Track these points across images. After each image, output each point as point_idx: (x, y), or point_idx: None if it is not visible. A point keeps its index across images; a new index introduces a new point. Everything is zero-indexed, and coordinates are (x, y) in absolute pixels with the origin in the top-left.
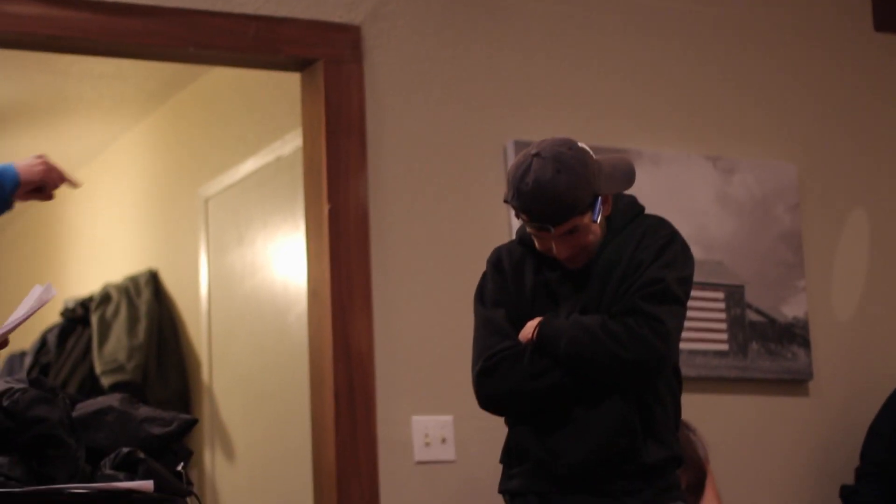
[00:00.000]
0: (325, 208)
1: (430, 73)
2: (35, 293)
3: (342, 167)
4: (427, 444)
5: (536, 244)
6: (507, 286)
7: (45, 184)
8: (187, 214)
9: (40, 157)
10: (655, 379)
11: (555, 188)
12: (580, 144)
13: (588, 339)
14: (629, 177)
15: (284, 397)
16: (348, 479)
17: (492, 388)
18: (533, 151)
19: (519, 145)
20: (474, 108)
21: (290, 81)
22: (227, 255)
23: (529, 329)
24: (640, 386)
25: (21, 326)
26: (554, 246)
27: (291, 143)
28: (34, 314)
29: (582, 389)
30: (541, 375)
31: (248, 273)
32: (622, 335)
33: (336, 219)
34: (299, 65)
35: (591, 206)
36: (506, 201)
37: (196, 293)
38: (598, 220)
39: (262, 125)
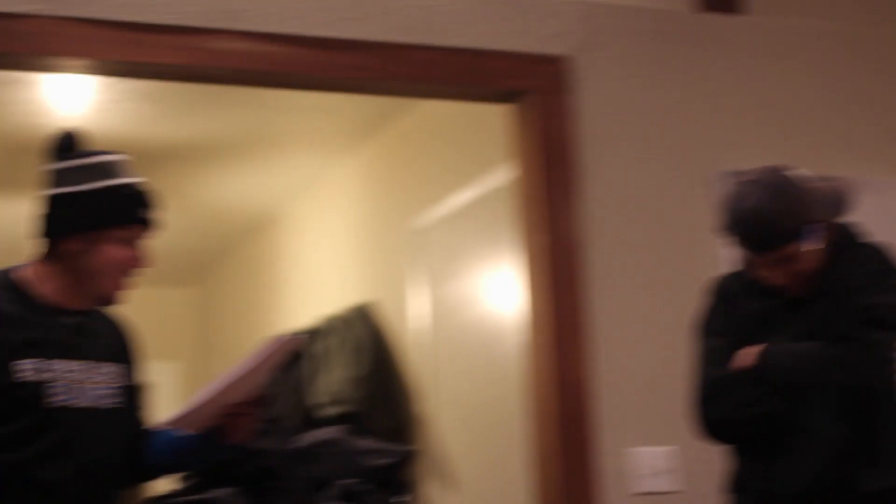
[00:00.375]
0: (539, 239)
1: (639, 103)
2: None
3: (555, 198)
4: (645, 476)
5: (754, 272)
6: (727, 315)
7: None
8: (401, 246)
9: None
10: (871, 401)
11: (768, 215)
12: (797, 172)
13: (808, 365)
14: (845, 204)
15: (504, 428)
16: None
17: (710, 416)
18: (748, 178)
19: (726, 175)
20: (683, 138)
21: (501, 113)
22: (442, 287)
23: (748, 356)
24: (858, 408)
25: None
26: (768, 273)
27: (502, 175)
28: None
29: (800, 416)
30: (758, 402)
31: (463, 304)
32: (841, 360)
33: (550, 250)
34: (508, 97)
35: (807, 234)
36: (719, 230)
37: (414, 325)
38: (814, 248)
39: (473, 157)
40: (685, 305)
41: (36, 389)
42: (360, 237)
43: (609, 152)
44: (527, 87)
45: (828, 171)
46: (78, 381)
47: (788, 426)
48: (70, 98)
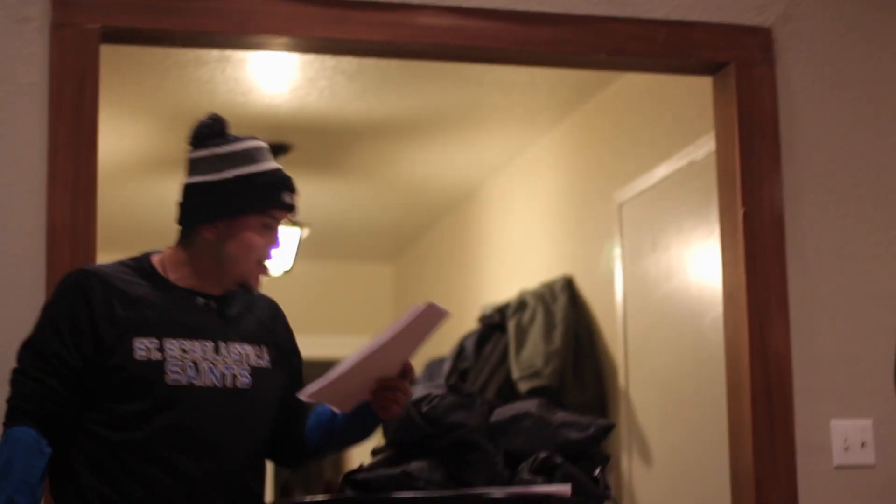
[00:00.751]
0: (740, 212)
1: (843, 74)
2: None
3: (756, 170)
4: (846, 449)
5: None
6: None
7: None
8: (601, 220)
9: None
10: None
11: None
12: None
13: None
14: None
15: (701, 401)
16: (766, 483)
17: None
18: None
19: None
20: (888, 109)
21: (702, 85)
22: (642, 260)
23: None
24: None
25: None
26: None
27: (704, 148)
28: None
29: None
30: None
31: (662, 278)
32: None
33: (751, 222)
34: (710, 68)
35: None
36: None
37: (611, 298)
38: None
39: (674, 129)
40: (889, 278)
41: (157, 368)
42: (560, 211)
43: (813, 124)
44: (729, 58)
45: None
46: (203, 361)
47: None
48: (273, 76)
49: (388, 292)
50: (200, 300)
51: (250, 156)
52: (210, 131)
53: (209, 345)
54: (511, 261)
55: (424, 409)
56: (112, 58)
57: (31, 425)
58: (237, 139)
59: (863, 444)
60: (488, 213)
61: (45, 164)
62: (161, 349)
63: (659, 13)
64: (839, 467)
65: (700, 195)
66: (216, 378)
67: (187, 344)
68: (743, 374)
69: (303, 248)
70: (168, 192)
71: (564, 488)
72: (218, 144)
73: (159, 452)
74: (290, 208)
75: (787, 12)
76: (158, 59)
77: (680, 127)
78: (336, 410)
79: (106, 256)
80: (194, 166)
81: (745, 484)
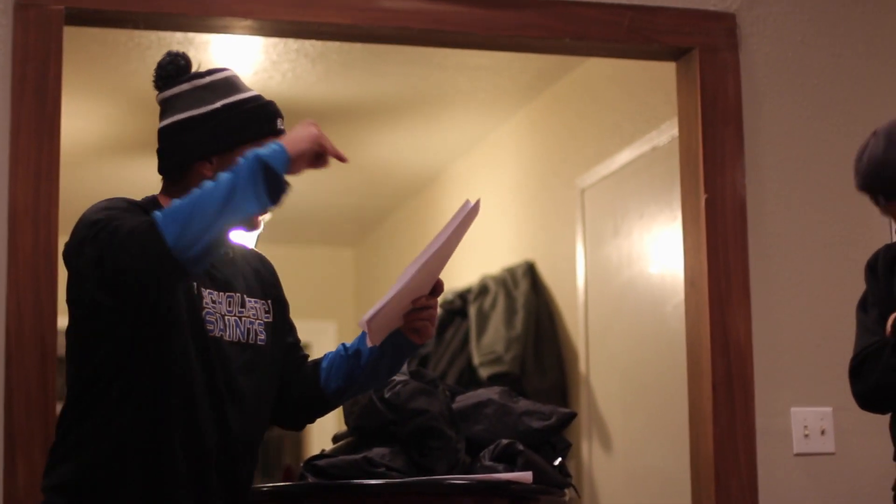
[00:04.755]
0: (703, 198)
1: (807, 60)
2: (462, 212)
3: (719, 157)
4: (806, 436)
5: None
6: (879, 287)
7: (319, 149)
8: (564, 205)
9: (310, 122)
10: None
11: (884, 162)
12: None
13: None
14: None
15: (662, 389)
16: (727, 470)
17: (860, 386)
18: (874, 130)
19: None
20: (854, 93)
21: (665, 71)
22: (604, 246)
23: (890, 322)
24: None
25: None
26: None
27: (667, 133)
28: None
29: None
30: None
31: (624, 264)
32: None
33: (713, 208)
34: (674, 54)
35: None
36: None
37: (573, 284)
38: None
39: (638, 115)
40: (850, 266)
41: (190, 318)
42: (522, 196)
43: (777, 110)
44: (693, 43)
45: None
46: (229, 315)
47: None
48: (237, 59)
49: (349, 277)
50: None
51: (233, 84)
52: (178, 68)
53: (235, 297)
54: (473, 246)
55: (387, 395)
56: (76, 40)
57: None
58: (213, 70)
59: (822, 432)
60: (451, 197)
61: (8, 147)
62: (192, 299)
63: None
64: (799, 455)
65: (663, 181)
66: (241, 333)
67: (216, 295)
68: (704, 362)
69: (264, 231)
70: (131, 174)
71: (526, 475)
72: (195, 77)
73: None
74: (283, 133)
75: None
76: (122, 41)
77: (643, 112)
78: (369, 344)
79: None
80: (173, 104)
81: (705, 471)
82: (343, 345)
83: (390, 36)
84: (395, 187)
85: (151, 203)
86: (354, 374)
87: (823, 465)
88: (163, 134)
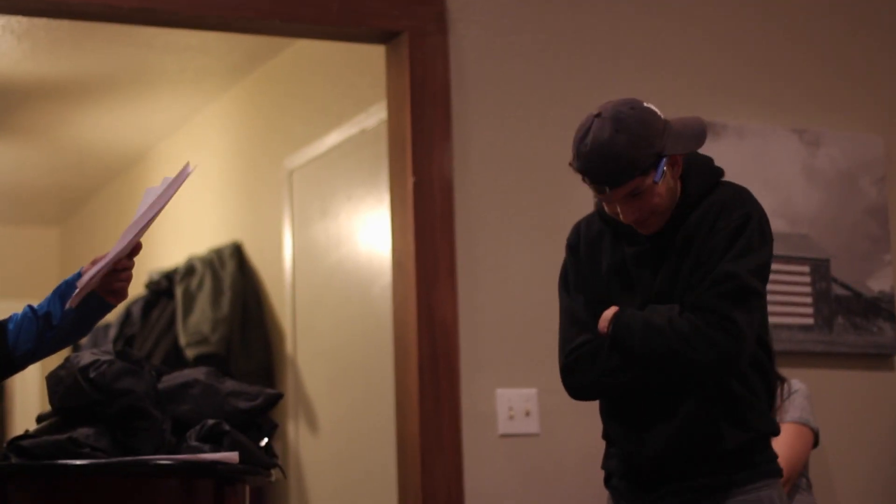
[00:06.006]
0: (410, 181)
1: (515, 44)
2: (151, 193)
3: (427, 140)
4: (511, 417)
5: (606, 209)
6: (582, 269)
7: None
8: (271, 187)
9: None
10: (728, 376)
11: (612, 148)
12: (646, 105)
13: (658, 339)
14: (699, 136)
15: (369, 370)
16: (432, 451)
17: (574, 384)
18: (595, 112)
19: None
20: (559, 79)
21: (375, 54)
22: (311, 227)
23: (605, 321)
24: (713, 381)
25: None
26: (619, 209)
27: (375, 116)
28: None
29: (660, 381)
30: (619, 371)
31: (332, 245)
32: (691, 336)
33: (421, 191)
34: (383, 37)
35: (654, 167)
36: (570, 165)
37: (280, 265)
38: (661, 181)
39: (346, 97)
40: (556, 248)
41: None
42: (233, 177)
43: (485, 94)
44: (402, 27)
45: (704, 115)
46: None
47: (651, 389)
48: None
49: (54, 256)
50: None
51: None
52: None
53: None
54: (180, 226)
55: (92, 374)
56: None
57: None
58: None
59: (527, 413)
60: (158, 176)
61: None
62: None
63: None
64: (504, 435)
65: (370, 163)
66: None
67: None
68: (410, 343)
69: None
70: None
71: (232, 456)
72: None
73: None
74: None
75: None
76: None
77: (352, 95)
78: (67, 306)
79: None
80: None
81: (410, 452)
82: (30, 306)
83: (98, 14)
84: (101, 167)
85: None
86: (45, 337)
87: (528, 446)
88: None
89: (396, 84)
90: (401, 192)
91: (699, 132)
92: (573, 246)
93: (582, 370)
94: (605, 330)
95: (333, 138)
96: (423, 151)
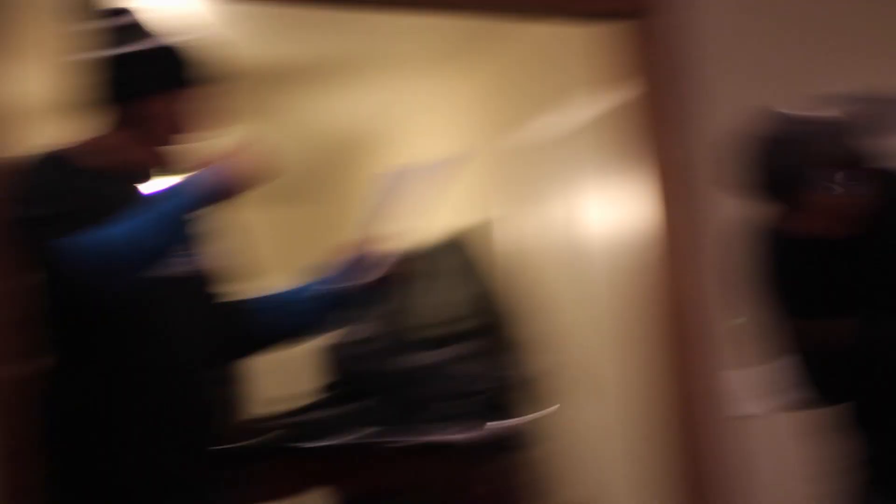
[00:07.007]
0: (668, 154)
1: (747, 24)
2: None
3: (665, 119)
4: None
5: (787, 225)
6: (783, 278)
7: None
8: (512, 165)
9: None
10: None
11: (769, 167)
12: (804, 112)
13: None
14: (875, 131)
15: (614, 347)
16: (691, 426)
17: (831, 395)
18: (751, 134)
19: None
20: (798, 60)
21: (606, 34)
22: (550, 206)
23: (841, 334)
24: None
25: None
26: (802, 224)
27: (615, 95)
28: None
29: None
30: (865, 377)
31: (574, 221)
32: None
33: (669, 166)
34: (614, 17)
35: (819, 179)
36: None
37: (526, 242)
38: (841, 192)
39: (582, 78)
40: None
41: None
42: (471, 157)
43: (722, 73)
44: (636, 7)
45: None
46: None
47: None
48: (176, 21)
49: (300, 235)
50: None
51: (144, 30)
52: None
53: None
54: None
55: (366, 351)
56: None
57: None
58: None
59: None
60: (395, 158)
61: None
62: None
63: None
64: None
65: (609, 143)
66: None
67: None
68: (656, 320)
69: None
70: None
71: (473, 436)
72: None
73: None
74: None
75: None
76: None
77: (576, 77)
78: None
79: None
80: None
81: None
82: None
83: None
84: (340, 148)
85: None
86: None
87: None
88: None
89: (632, 64)
90: (663, 165)
91: (875, 126)
92: (762, 255)
93: (834, 380)
94: (846, 342)
95: (566, 120)
96: (672, 128)
